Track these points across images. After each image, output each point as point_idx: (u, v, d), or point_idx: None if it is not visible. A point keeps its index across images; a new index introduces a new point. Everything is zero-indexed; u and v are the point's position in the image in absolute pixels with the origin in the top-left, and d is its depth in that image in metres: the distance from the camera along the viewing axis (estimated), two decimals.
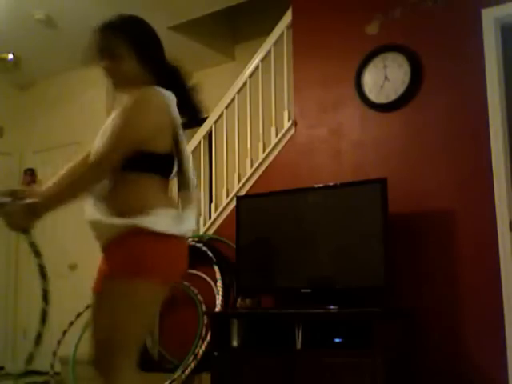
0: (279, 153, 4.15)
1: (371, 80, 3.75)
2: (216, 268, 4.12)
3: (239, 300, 3.72)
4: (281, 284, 3.66)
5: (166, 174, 1.89)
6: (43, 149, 5.93)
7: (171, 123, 1.86)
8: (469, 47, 3.45)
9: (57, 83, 5.85)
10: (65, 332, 3.79)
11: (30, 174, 5.94)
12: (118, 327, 1.73)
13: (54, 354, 3.84)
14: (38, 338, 1.86)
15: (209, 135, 4.66)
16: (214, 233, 4.38)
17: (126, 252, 1.74)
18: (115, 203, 1.79)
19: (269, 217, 3.75)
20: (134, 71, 1.92)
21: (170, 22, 4.84)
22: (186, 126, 1.96)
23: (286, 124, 4.13)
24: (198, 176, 4.12)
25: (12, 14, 4.62)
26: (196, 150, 4.54)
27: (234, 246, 3.86)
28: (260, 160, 4.21)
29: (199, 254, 4.13)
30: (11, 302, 5.87)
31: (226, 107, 4.48)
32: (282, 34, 4.24)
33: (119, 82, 1.95)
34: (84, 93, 5.65)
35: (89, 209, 1.85)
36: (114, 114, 1.89)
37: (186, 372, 3.75)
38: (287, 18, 4.22)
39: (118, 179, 1.81)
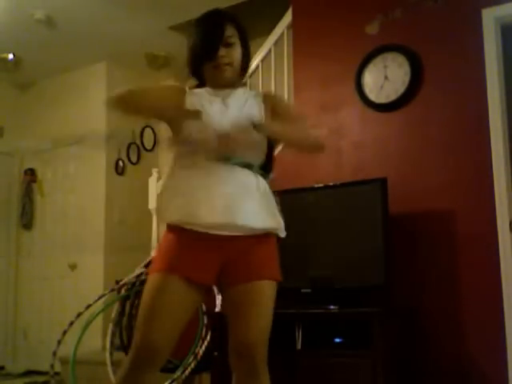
0: (279, 152, 4.13)
1: (371, 80, 3.75)
2: None
3: None
4: (281, 284, 3.65)
5: None
6: (43, 149, 5.93)
7: None
8: (469, 47, 3.45)
9: (57, 83, 5.85)
10: (65, 332, 3.78)
11: (30, 174, 5.95)
12: (269, 327, 1.87)
13: (54, 353, 3.83)
14: None
15: None
16: None
17: (276, 258, 2.01)
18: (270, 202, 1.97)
19: None
20: (240, 61, 1.95)
21: (170, 21, 4.84)
22: None
23: None
24: None
25: (12, 14, 4.62)
26: None
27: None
28: None
29: None
30: (11, 301, 5.88)
31: None
32: (282, 33, 4.24)
33: (229, 73, 1.92)
34: (84, 93, 5.65)
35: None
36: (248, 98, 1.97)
37: (186, 372, 3.74)
38: (287, 18, 4.22)
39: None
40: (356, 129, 3.80)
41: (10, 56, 5.27)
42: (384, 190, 3.30)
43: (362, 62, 3.78)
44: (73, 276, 5.50)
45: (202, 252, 1.82)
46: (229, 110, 1.91)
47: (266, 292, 1.87)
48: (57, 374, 4.18)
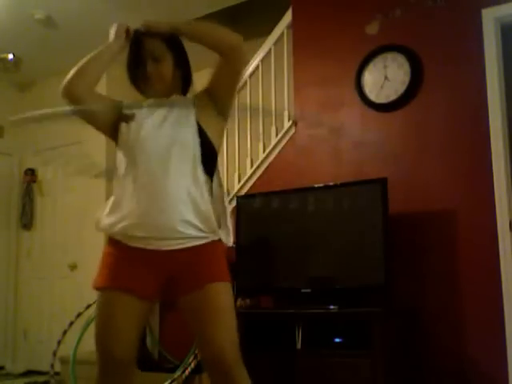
0: (279, 153, 4.14)
1: (371, 80, 3.75)
2: None
3: (239, 300, 3.72)
4: (281, 284, 3.65)
5: None
6: (43, 149, 5.93)
7: None
8: (469, 47, 3.45)
9: (57, 83, 5.81)
10: (65, 332, 3.78)
11: (30, 174, 5.94)
12: (234, 325, 1.84)
13: (54, 353, 3.83)
14: None
15: None
16: None
17: (221, 261, 1.90)
18: (207, 211, 1.86)
19: (269, 217, 3.75)
20: (171, 74, 1.95)
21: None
22: None
23: (286, 124, 4.13)
24: None
25: (12, 14, 4.62)
26: None
27: (234, 245, 3.85)
28: (260, 160, 4.21)
29: None
30: (11, 302, 5.87)
31: None
32: (282, 33, 4.24)
33: (160, 86, 1.94)
34: None
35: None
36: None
37: (186, 372, 3.74)
38: (287, 17, 4.22)
39: (205, 183, 1.89)
40: (356, 129, 3.80)
41: (10, 56, 5.27)
42: (384, 190, 3.30)
43: (362, 62, 3.78)
44: (73, 276, 5.49)
45: (141, 267, 1.84)
46: (155, 116, 1.91)
47: (219, 293, 1.83)
48: (57, 374, 4.17)
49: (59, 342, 3.84)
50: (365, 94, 3.77)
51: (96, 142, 5.54)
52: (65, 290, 5.50)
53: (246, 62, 1.96)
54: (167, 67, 1.93)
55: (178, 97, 2.00)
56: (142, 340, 4.11)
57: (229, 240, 1.95)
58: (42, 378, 4.80)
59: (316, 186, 3.65)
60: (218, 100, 1.94)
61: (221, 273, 1.87)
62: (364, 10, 3.84)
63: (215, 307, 1.81)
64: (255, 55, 4.38)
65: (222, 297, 1.83)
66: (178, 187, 1.80)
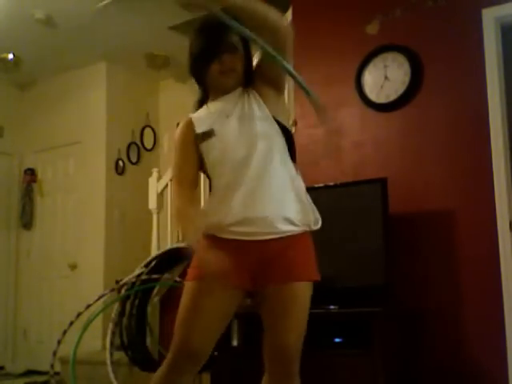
0: None
1: (371, 80, 3.75)
2: None
3: None
4: None
5: None
6: (43, 149, 5.94)
7: None
8: (469, 47, 3.45)
9: (57, 83, 5.85)
10: (65, 332, 3.79)
11: (30, 174, 5.95)
12: (305, 329, 1.89)
13: (54, 353, 3.83)
14: None
15: None
16: None
17: (313, 256, 1.97)
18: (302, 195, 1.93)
19: None
20: (242, 67, 1.96)
21: (170, 22, 4.83)
22: None
23: None
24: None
25: (12, 14, 4.62)
26: None
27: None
28: None
29: None
30: (11, 302, 5.88)
31: None
32: None
33: (233, 81, 1.93)
34: (84, 93, 5.66)
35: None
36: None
37: None
38: (287, 18, 4.22)
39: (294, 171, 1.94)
40: (356, 129, 3.80)
41: (10, 56, 5.28)
42: (384, 190, 3.30)
43: (362, 61, 3.78)
44: (73, 276, 5.50)
45: (235, 257, 1.82)
46: (233, 116, 1.90)
47: (301, 294, 1.88)
48: (57, 373, 4.17)
49: (59, 342, 3.84)
50: (365, 93, 3.77)
51: (96, 142, 5.57)
52: (65, 289, 5.51)
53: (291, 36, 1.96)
54: (241, 60, 1.94)
55: (240, 92, 1.95)
56: (142, 340, 4.11)
57: (319, 223, 2.00)
58: (41, 378, 4.80)
59: (316, 186, 3.65)
60: (272, 74, 1.94)
61: (307, 271, 1.93)
62: (364, 10, 3.84)
63: (294, 310, 1.87)
64: (255, 55, 4.37)
65: (302, 299, 1.89)
66: (276, 183, 1.86)
